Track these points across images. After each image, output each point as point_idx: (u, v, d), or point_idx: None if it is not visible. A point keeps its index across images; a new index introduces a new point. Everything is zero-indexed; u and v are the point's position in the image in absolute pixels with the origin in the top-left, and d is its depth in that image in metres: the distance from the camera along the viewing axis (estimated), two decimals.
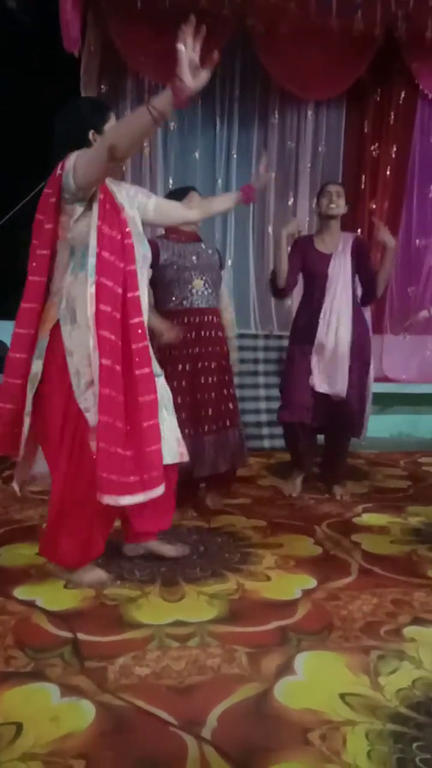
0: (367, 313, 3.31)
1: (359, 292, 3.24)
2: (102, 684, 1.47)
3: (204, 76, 1.65)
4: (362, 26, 4.42)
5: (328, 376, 3.09)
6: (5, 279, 4.01)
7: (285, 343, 3.61)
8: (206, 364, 2.82)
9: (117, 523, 2.21)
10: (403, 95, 5.02)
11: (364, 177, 5.11)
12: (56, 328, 1.94)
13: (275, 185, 4.86)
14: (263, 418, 4.46)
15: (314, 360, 3.11)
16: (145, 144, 4.80)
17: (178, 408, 2.40)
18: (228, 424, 2.86)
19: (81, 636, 1.69)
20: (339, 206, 3.13)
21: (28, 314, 1.97)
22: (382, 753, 1.25)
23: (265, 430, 4.45)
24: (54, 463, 2.00)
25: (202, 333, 2.81)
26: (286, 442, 3.35)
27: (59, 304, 1.95)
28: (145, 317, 2.06)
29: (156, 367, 2.12)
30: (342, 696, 1.43)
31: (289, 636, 1.73)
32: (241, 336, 4.46)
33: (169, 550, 2.28)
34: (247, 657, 1.60)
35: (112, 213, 1.98)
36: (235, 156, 4.98)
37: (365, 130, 5.12)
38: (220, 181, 4.93)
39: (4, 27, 4.29)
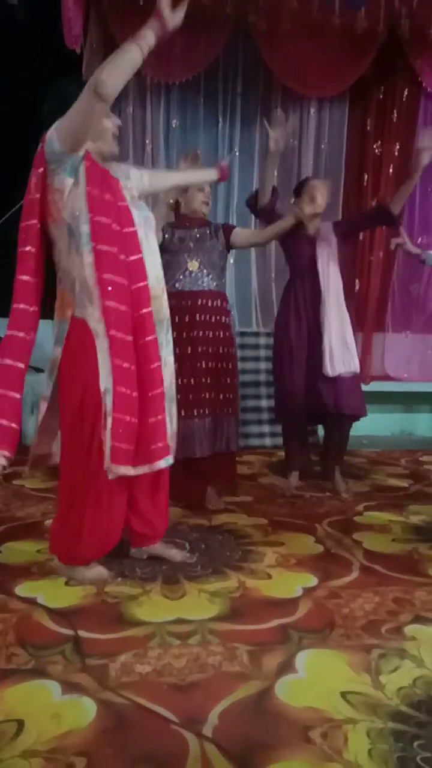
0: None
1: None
2: (103, 681, 1.47)
3: (179, 15, 1.80)
4: (365, 23, 4.40)
5: (339, 356, 3.05)
6: (5, 279, 4.01)
7: None
8: (204, 348, 2.79)
9: None
10: (406, 93, 5.01)
11: (366, 175, 5.10)
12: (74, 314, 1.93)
13: (276, 183, 4.85)
14: (265, 416, 4.45)
15: (325, 345, 3.05)
16: (147, 141, 4.80)
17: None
18: (227, 412, 2.84)
19: (82, 633, 1.69)
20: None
21: (22, 315, 1.93)
22: (383, 751, 1.24)
23: (267, 428, 4.45)
24: (65, 451, 2.00)
25: (197, 317, 2.78)
26: (283, 436, 3.35)
27: (72, 288, 1.93)
28: (155, 281, 2.03)
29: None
30: (343, 694, 1.43)
31: (291, 634, 1.72)
32: (243, 334, 4.46)
33: (175, 554, 2.26)
34: (248, 655, 1.60)
35: (102, 178, 1.95)
36: (237, 153, 4.97)
37: (368, 128, 5.11)
38: None
39: (5, 24, 4.28)
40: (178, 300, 2.71)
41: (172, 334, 2.17)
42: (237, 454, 3.04)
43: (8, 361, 1.90)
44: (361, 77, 4.78)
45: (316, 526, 2.69)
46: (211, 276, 2.83)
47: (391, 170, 5.04)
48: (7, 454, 1.84)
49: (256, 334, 4.58)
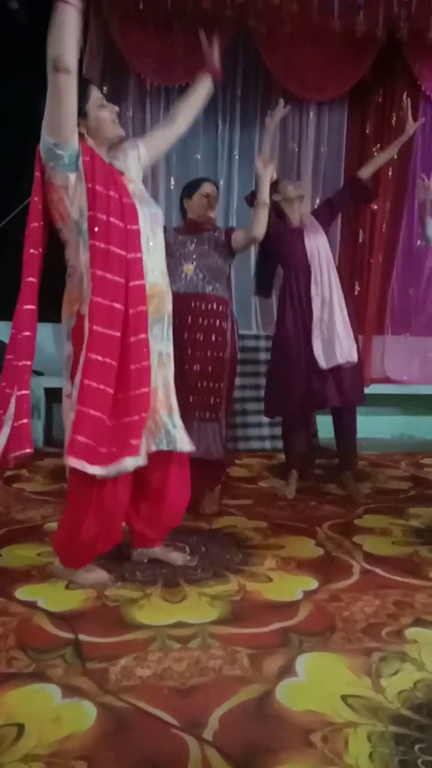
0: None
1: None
2: (103, 685, 1.47)
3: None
4: (364, 27, 4.41)
5: (333, 347, 3.04)
6: (5, 279, 4.01)
7: None
8: (193, 352, 2.77)
9: None
10: (405, 96, 5.01)
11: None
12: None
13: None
14: (264, 418, 4.44)
15: (316, 337, 3.06)
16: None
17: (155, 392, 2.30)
18: (207, 417, 2.79)
19: (82, 637, 1.69)
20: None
21: (30, 315, 1.94)
22: (384, 755, 1.24)
23: (266, 431, 4.44)
24: None
25: (188, 319, 2.76)
26: (283, 433, 3.35)
27: (80, 284, 1.93)
28: (159, 277, 2.04)
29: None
30: (344, 698, 1.43)
31: (291, 637, 1.72)
32: (243, 337, 4.45)
33: (175, 558, 2.25)
34: (248, 658, 1.60)
35: (106, 174, 1.95)
36: (236, 156, 4.97)
37: (367, 131, 5.11)
38: (222, 181, 4.93)
39: (5, 27, 4.29)
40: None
41: None
42: (224, 460, 2.98)
43: (25, 362, 1.92)
44: (361, 80, 4.79)
45: (316, 529, 2.69)
46: (206, 279, 2.81)
47: (390, 173, 5.05)
48: (29, 450, 1.87)
49: (256, 337, 4.58)
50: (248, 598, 1.98)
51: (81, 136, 1.95)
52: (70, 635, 1.70)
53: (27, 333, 1.92)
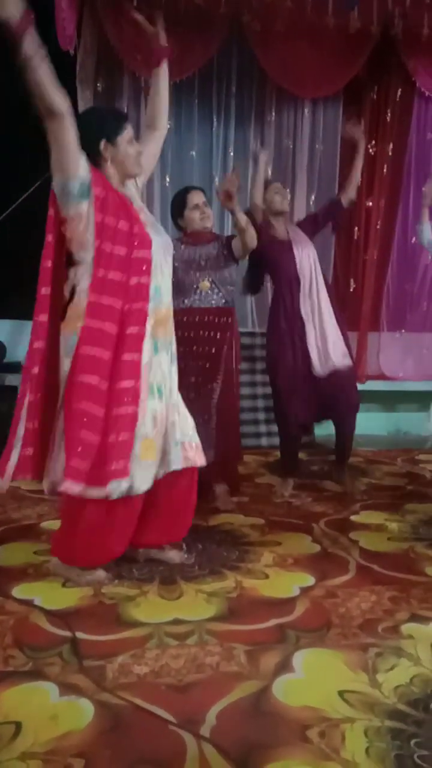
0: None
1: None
2: (101, 683, 1.47)
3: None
4: (359, 24, 4.41)
5: (326, 353, 3.08)
6: (4, 279, 4.00)
7: None
8: (194, 363, 2.79)
9: None
10: (399, 93, 5.02)
11: (360, 175, 5.10)
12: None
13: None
14: (261, 416, 4.46)
15: (311, 346, 3.09)
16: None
17: None
18: (200, 421, 2.77)
19: (79, 635, 1.69)
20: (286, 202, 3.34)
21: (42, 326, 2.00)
22: (381, 750, 1.25)
23: (263, 428, 4.45)
24: None
25: (200, 332, 2.80)
26: (282, 446, 3.37)
27: (80, 303, 1.96)
28: (168, 305, 2.10)
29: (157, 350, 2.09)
30: (340, 693, 1.43)
31: (288, 634, 1.73)
32: (239, 334, 4.46)
33: (172, 556, 2.25)
34: (245, 655, 1.61)
35: (118, 205, 1.99)
36: (231, 154, 4.97)
37: (362, 128, 5.10)
38: (217, 179, 4.92)
39: None
40: (183, 316, 2.73)
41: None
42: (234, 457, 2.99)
43: (34, 370, 1.99)
44: (355, 77, 4.79)
45: (312, 525, 2.70)
46: (221, 293, 2.86)
47: (385, 170, 5.05)
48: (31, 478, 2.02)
49: (252, 334, 4.58)
50: (245, 595, 1.99)
51: (97, 163, 1.99)
52: (67, 633, 1.70)
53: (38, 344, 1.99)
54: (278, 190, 3.26)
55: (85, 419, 1.89)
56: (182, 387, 2.70)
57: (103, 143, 2.00)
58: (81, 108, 4.34)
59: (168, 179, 4.82)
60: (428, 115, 5.09)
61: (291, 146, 5.05)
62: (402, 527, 2.70)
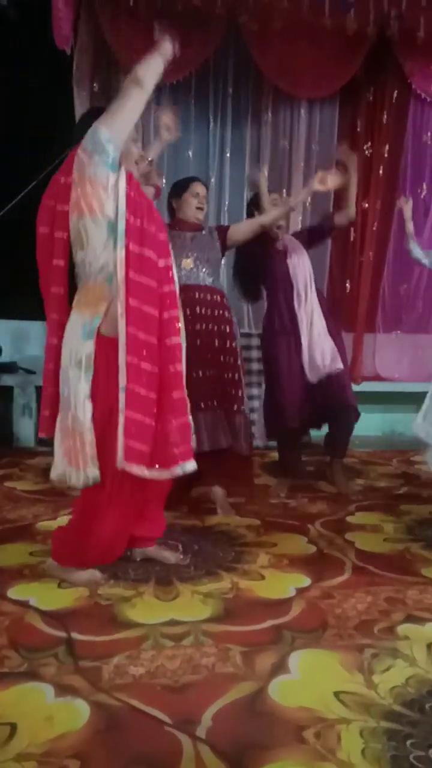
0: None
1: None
2: (96, 683, 1.47)
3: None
4: (355, 25, 4.43)
5: (315, 361, 3.11)
6: (4, 279, 4.00)
7: None
8: (206, 340, 2.75)
9: None
10: (395, 94, 5.03)
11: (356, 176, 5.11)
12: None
13: (268, 184, 4.86)
14: (256, 416, 4.45)
15: (304, 351, 3.12)
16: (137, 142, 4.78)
17: None
18: (235, 408, 2.79)
19: (75, 635, 1.69)
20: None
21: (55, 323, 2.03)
22: (377, 750, 1.25)
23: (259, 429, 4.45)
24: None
25: (197, 309, 2.75)
26: (279, 448, 3.38)
27: (109, 281, 1.93)
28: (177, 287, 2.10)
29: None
30: (336, 694, 1.43)
31: (284, 634, 1.73)
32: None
33: (168, 556, 2.25)
34: (241, 656, 1.61)
35: (137, 186, 2.00)
36: (228, 154, 4.98)
37: (358, 129, 5.13)
38: (213, 179, 4.93)
39: None
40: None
41: None
42: (250, 456, 2.96)
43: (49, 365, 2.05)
44: (352, 78, 4.80)
45: (308, 526, 2.70)
46: (206, 271, 2.82)
47: (381, 171, 5.06)
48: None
49: (249, 335, 4.58)
50: (241, 596, 1.99)
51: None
52: (62, 634, 1.70)
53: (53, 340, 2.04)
54: (276, 201, 3.24)
55: (138, 401, 1.89)
56: (198, 365, 2.65)
57: None
58: (77, 107, 4.35)
59: (164, 180, 4.81)
60: (424, 116, 5.12)
61: (287, 146, 5.06)
62: (397, 528, 2.71)
